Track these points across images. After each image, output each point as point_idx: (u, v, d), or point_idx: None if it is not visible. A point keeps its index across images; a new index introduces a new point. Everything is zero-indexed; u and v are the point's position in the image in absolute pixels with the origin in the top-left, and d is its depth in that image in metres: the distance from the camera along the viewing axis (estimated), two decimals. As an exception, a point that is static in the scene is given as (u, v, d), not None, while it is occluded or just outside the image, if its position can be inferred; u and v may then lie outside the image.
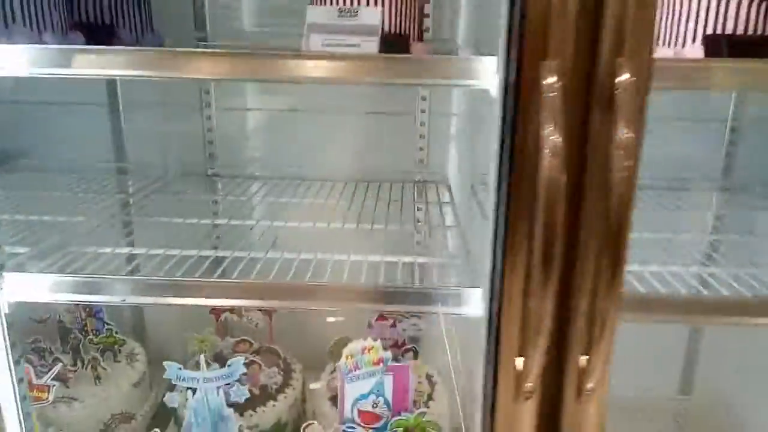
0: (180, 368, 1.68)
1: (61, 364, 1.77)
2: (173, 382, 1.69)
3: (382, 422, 1.71)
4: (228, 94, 2.14)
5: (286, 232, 1.72)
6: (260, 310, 2.09)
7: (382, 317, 2.06)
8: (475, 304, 1.19)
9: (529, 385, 0.93)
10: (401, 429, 1.63)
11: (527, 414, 0.98)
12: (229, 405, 1.72)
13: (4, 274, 1.22)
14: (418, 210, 2.02)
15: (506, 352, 0.99)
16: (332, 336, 2.13)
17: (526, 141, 0.85)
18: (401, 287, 1.22)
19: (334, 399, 1.96)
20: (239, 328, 2.13)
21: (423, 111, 2.07)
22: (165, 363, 1.68)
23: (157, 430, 1.64)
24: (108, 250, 1.44)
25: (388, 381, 1.70)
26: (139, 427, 2.07)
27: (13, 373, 1.28)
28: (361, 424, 1.64)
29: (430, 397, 1.92)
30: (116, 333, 2.11)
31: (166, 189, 2.07)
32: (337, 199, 1.99)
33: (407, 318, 2.08)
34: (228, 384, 1.71)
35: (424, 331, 2.08)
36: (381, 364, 1.69)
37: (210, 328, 2.09)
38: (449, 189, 2.08)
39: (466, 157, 2.01)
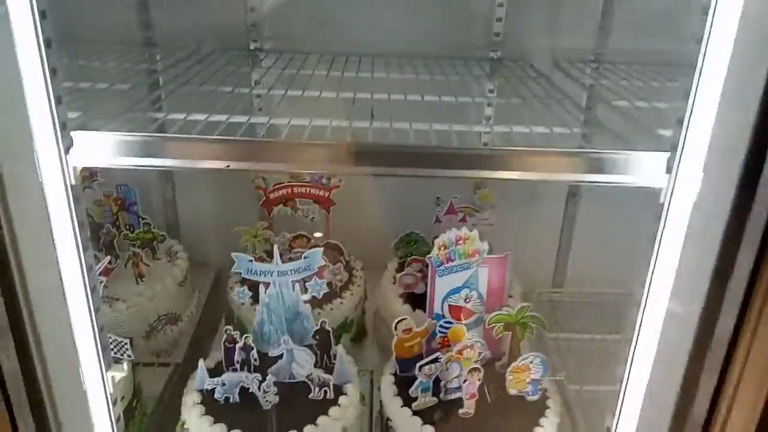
0: (251, 260, 1.48)
1: (109, 257, 1.55)
2: (243, 276, 1.49)
3: (473, 318, 1.56)
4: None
5: (346, 105, 1.45)
6: (317, 202, 1.88)
7: (451, 210, 1.88)
8: (656, 172, 0.99)
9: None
10: (501, 324, 1.49)
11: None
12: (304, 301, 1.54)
13: (72, 133, 0.98)
14: (490, 91, 1.78)
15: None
16: (393, 232, 1.95)
17: None
18: (570, 151, 1.02)
19: (405, 297, 1.80)
20: (293, 223, 1.92)
21: (504, -27, 1.79)
22: (234, 255, 1.48)
23: (229, 327, 1.46)
24: (180, 116, 1.18)
25: (483, 274, 1.53)
26: (186, 329, 1.90)
27: (83, 258, 1.07)
28: (451, 321, 1.48)
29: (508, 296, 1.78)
30: (154, 228, 1.89)
31: (202, 64, 1.78)
32: (401, 73, 1.73)
33: (477, 212, 1.90)
34: (304, 278, 1.53)
35: (494, 225, 1.91)
36: (477, 256, 1.51)
37: (262, 222, 1.87)
38: (531, 66, 1.84)
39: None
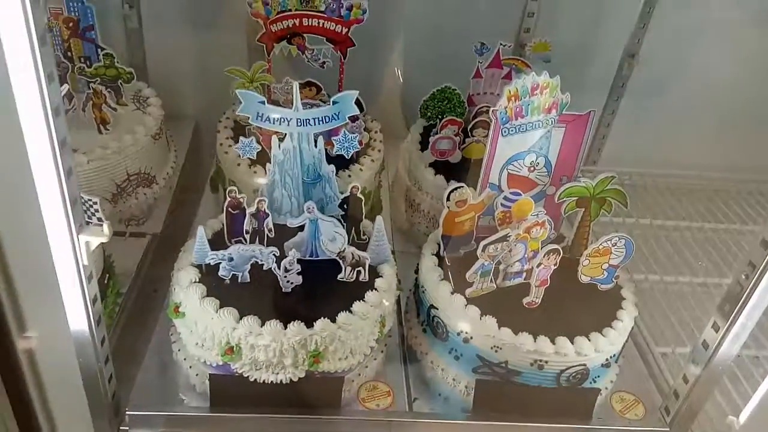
0: (262, 101, 1.11)
1: (66, 86, 1.15)
2: (250, 122, 1.13)
3: (535, 191, 1.27)
4: None
5: None
6: (331, 41, 1.48)
7: (496, 62, 1.53)
8: None
9: None
10: (573, 200, 1.21)
11: None
12: (329, 161, 1.21)
13: None
14: None
15: None
16: (420, 88, 1.59)
17: None
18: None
19: (436, 165, 1.49)
20: (296, 68, 1.53)
21: None
22: (239, 91, 1.11)
23: (233, 189, 1.12)
24: None
25: (557, 136, 1.23)
26: (162, 193, 1.55)
27: (44, 86, 0.69)
28: (519, 192, 1.18)
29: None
30: (118, 63, 1.46)
31: None
32: None
33: (528, 66, 1.55)
34: (331, 131, 1.18)
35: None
36: (554, 111, 1.19)
37: (260, 63, 1.46)
38: None
39: None
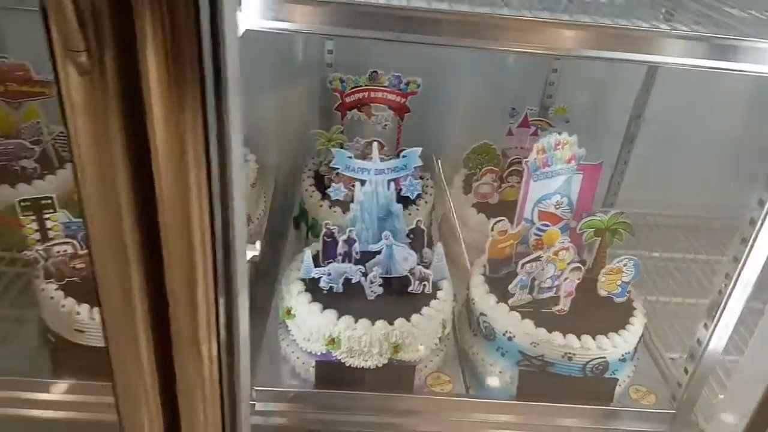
0: (350, 157, 1.47)
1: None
2: (341, 172, 1.49)
3: (561, 224, 1.59)
4: None
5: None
6: (392, 108, 1.86)
7: (525, 122, 1.88)
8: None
9: None
10: (591, 230, 1.53)
11: None
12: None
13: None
14: None
15: None
16: (461, 143, 1.96)
17: None
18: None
19: (479, 206, 1.83)
20: (362, 129, 1.91)
21: None
22: (334, 150, 1.47)
23: (328, 222, 1.46)
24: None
25: (577, 180, 1.56)
26: (255, 230, 1.90)
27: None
28: (548, 224, 1.51)
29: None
30: (225, 128, 1.85)
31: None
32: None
33: (551, 126, 1.91)
34: (401, 177, 1.53)
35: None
36: (573, 162, 1.53)
37: (337, 126, 1.84)
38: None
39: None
